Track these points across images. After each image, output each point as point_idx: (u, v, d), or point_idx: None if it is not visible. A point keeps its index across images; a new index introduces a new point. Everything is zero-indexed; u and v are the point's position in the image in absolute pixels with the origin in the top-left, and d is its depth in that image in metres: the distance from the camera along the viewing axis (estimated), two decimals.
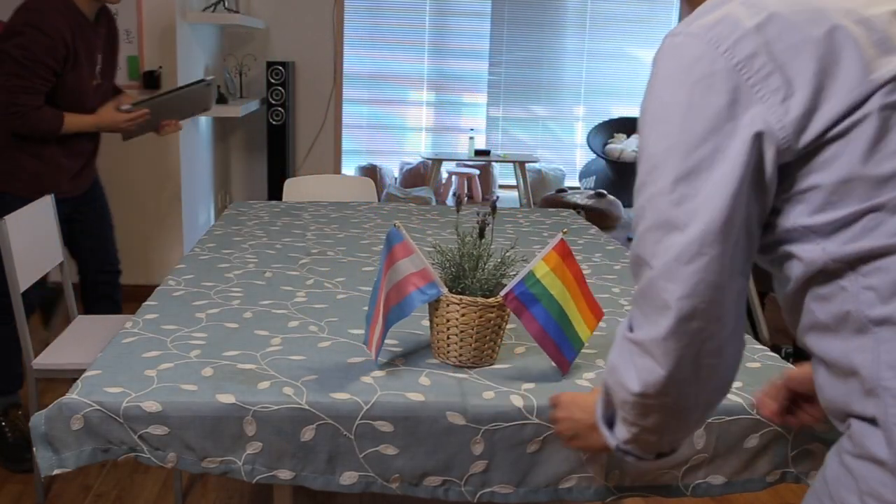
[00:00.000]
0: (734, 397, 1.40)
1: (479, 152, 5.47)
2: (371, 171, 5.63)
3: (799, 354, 2.19)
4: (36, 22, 2.32)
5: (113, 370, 1.42)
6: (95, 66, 2.58)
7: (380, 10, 5.70)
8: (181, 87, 2.80)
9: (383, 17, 5.73)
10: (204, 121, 4.70)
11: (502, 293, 1.41)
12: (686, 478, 1.39)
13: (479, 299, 1.43)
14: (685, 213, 0.90)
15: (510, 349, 1.59)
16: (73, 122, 2.54)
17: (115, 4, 2.59)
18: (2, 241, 2.17)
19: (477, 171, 5.92)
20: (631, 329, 0.99)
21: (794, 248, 0.93)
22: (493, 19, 5.85)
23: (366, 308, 1.80)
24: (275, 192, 5.02)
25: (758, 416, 1.38)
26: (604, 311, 1.86)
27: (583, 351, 1.59)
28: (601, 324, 1.77)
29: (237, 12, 4.78)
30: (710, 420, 1.37)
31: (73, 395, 1.32)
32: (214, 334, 1.62)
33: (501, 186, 6.20)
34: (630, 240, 4.44)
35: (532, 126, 6.14)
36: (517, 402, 1.35)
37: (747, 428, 1.38)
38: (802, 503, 1.01)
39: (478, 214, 1.62)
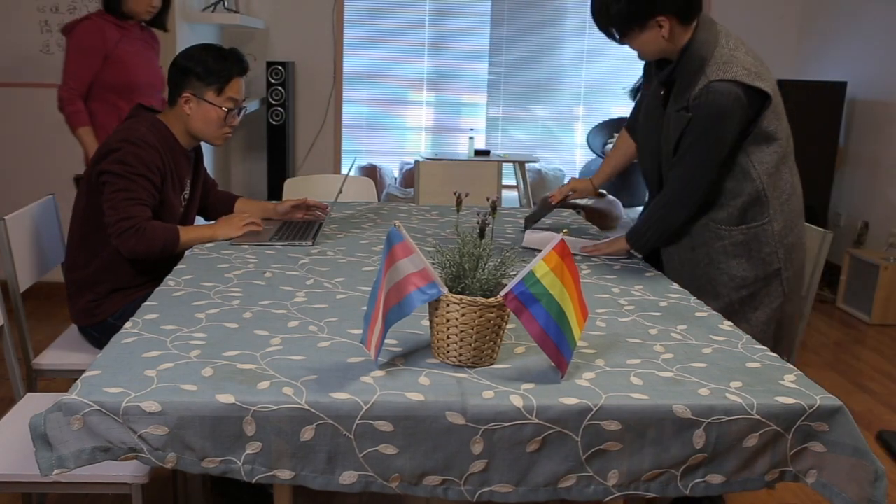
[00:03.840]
0: (734, 397, 1.40)
1: (478, 152, 5.46)
2: (371, 171, 5.62)
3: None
4: (131, 138, 2.24)
5: (113, 370, 1.42)
6: (183, 192, 2.45)
7: (380, 10, 5.70)
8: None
9: (383, 17, 5.72)
10: None
11: (502, 293, 1.41)
12: (685, 477, 1.39)
13: (480, 299, 1.43)
14: None
15: (510, 349, 1.59)
16: (189, 234, 2.32)
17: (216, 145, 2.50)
18: (2, 241, 2.17)
19: None
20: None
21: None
22: (492, 19, 5.85)
23: (365, 308, 1.80)
24: (275, 192, 5.02)
25: (757, 416, 1.38)
26: (602, 310, 1.86)
27: (583, 351, 1.59)
28: (600, 324, 1.77)
29: (237, 12, 4.78)
30: (709, 420, 1.37)
31: (72, 396, 1.32)
32: (214, 334, 1.62)
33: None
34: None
35: (532, 126, 6.14)
36: (517, 401, 1.36)
37: (746, 427, 1.38)
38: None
39: (478, 214, 1.62)
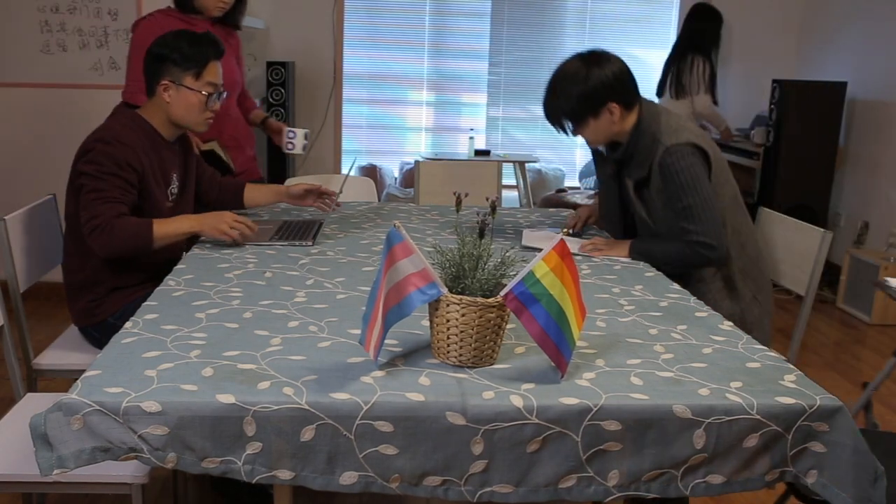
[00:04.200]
0: (733, 397, 1.40)
1: (479, 152, 5.46)
2: (371, 171, 5.62)
3: None
4: (105, 137, 2.21)
5: (113, 370, 1.42)
6: (169, 187, 2.40)
7: (379, 10, 5.69)
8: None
9: (383, 17, 5.72)
10: None
11: (502, 293, 1.41)
12: (685, 478, 1.39)
13: (479, 299, 1.43)
14: None
15: (510, 349, 1.59)
16: (166, 228, 2.22)
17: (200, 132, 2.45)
18: (2, 241, 2.17)
19: None
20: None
21: None
22: (492, 19, 5.85)
23: (364, 308, 1.79)
24: None
25: (757, 416, 1.38)
26: (602, 310, 1.86)
27: (583, 351, 1.59)
28: (601, 324, 1.77)
29: None
30: (709, 420, 1.37)
31: (72, 395, 1.32)
32: (214, 334, 1.62)
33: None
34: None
35: (532, 126, 6.13)
36: (517, 402, 1.35)
37: (746, 428, 1.38)
38: None
39: (478, 214, 1.62)
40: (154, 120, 2.34)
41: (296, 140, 2.99)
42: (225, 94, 2.44)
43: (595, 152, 2.56)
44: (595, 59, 2.25)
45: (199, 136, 2.91)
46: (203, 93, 2.32)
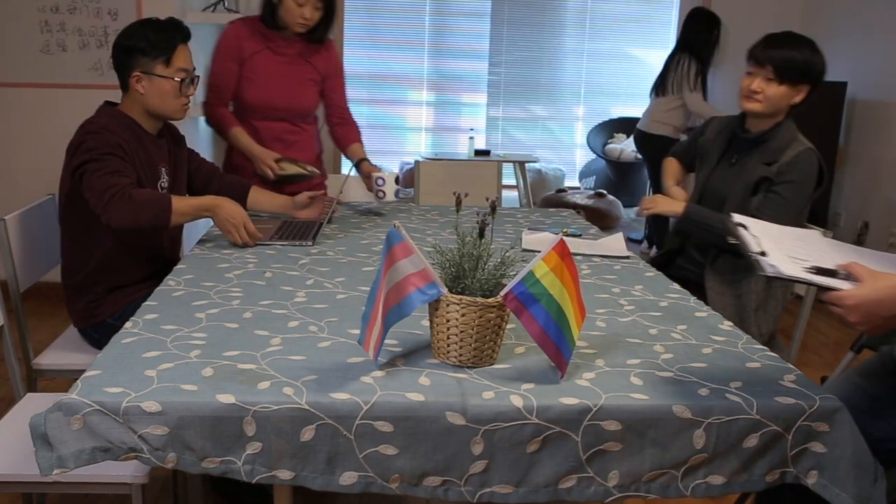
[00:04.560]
0: (733, 397, 1.40)
1: (479, 152, 5.46)
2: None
3: None
4: (91, 129, 2.20)
5: (113, 370, 1.42)
6: (159, 180, 2.37)
7: (379, 10, 5.70)
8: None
9: (383, 17, 5.73)
10: (203, 121, 4.69)
11: (502, 293, 1.41)
12: (685, 478, 1.39)
13: (479, 299, 1.43)
14: None
15: (510, 349, 1.59)
16: (186, 201, 2.25)
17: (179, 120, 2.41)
18: (1, 241, 2.17)
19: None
20: None
21: None
22: (493, 19, 5.85)
23: (363, 308, 1.79)
24: None
25: (757, 416, 1.38)
26: (602, 310, 1.86)
27: (583, 351, 1.59)
28: (600, 324, 1.77)
29: (237, 12, 4.78)
30: (709, 420, 1.37)
31: (73, 395, 1.32)
32: (214, 334, 1.62)
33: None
34: (631, 240, 4.41)
35: (532, 126, 6.14)
36: (517, 402, 1.35)
37: (746, 428, 1.38)
38: None
39: (478, 214, 1.63)
40: (134, 114, 2.31)
41: (385, 187, 2.80)
42: (198, 77, 2.42)
43: (697, 136, 2.77)
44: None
45: (270, 167, 2.81)
46: (175, 79, 2.30)
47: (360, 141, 3.11)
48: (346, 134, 3.11)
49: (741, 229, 1.41)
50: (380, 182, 2.80)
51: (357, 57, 5.73)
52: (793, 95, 2.44)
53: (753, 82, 2.45)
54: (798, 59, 2.41)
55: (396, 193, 2.82)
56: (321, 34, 3.00)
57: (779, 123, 2.48)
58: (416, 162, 3.59)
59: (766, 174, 2.44)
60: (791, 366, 1.58)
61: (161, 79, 2.28)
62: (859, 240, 5.02)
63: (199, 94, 2.76)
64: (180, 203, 2.22)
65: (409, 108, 5.99)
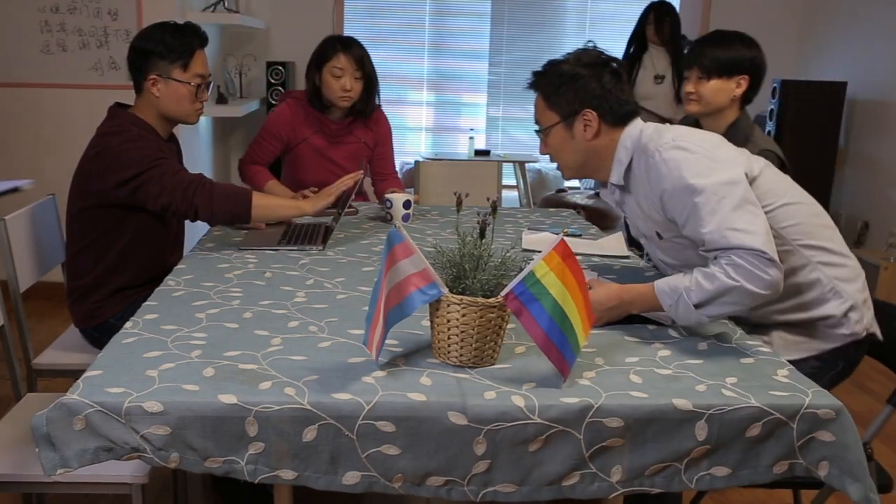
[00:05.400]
0: (730, 393, 1.40)
1: (479, 152, 5.46)
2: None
3: None
4: (130, 137, 2.21)
5: (114, 370, 1.42)
6: None
7: (380, 10, 5.69)
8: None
9: (383, 17, 5.72)
10: (204, 121, 4.69)
11: (503, 293, 1.41)
12: (689, 470, 1.39)
13: (480, 299, 1.43)
14: None
15: (511, 349, 1.59)
16: (267, 199, 2.40)
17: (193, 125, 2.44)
18: (2, 241, 2.17)
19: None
20: None
21: None
22: (493, 19, 5.84)
23: (366, 308, 1.80)
24: None
25: (758, 405, 1.38)
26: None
27: (583, 350, 1.59)
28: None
29: (237, 12, 4.78)
30: (710, 411, 1.37)
31: (74, 396, 1.32)
32: (215, 334, 1.62)
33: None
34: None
35: (532, 126, 6.13)
36: (518, 401, 1.35)
37: (748, 417, 1.38)
38: None
39: (478, 215, 1.63)
40: (147, 117, 2.31)
41: (393, 210, 2.75)
42: (212, 83, 2.43)
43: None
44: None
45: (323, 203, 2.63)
46: (192, 84, 2.30)
47: (400, 187, 3.10)
48: (386, 188, 3.09)
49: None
50: (388, 204, 2.77)
51: None
52: (731, 89, 2.41)
53: (688, 86, 2.45)
54: (721, 55, 2.40)
55: (405, 218, 2.76)
56: (367, 107, 3.09)
57: (732, 125, 2.44)
58: (417, 162, 3.59)
59: None
60: (784, 360, 1.59)
61: (178, 83, 2.28)
62: (859, 239, 5.02)
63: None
64: (262, 199, 2.35)
65: (409, 108, 5.99)
